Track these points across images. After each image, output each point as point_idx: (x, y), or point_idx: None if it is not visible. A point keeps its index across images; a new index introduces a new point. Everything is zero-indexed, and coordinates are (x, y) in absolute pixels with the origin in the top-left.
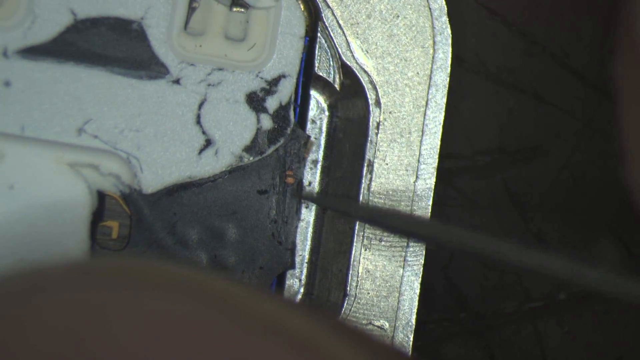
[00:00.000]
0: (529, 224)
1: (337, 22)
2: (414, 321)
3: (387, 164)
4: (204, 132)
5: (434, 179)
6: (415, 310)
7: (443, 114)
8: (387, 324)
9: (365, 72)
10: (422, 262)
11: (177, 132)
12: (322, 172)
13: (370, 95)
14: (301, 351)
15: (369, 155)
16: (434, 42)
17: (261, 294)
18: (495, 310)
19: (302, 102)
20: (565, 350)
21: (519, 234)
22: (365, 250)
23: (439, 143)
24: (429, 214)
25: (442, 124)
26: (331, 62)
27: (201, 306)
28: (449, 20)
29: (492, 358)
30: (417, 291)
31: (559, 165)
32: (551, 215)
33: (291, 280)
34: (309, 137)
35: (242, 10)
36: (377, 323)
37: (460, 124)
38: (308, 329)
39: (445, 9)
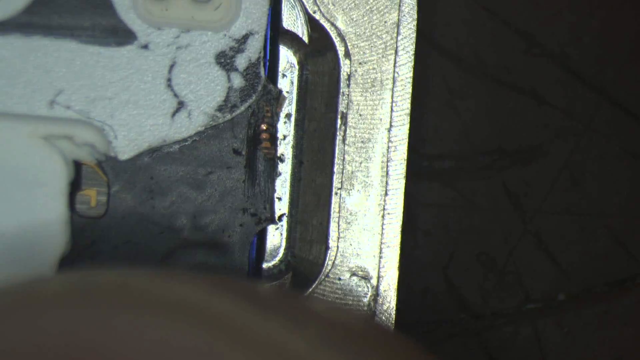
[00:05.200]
0: (528, 224)
1: None
2: (397, 269)
3: (360, 114)
4: (175, 95)
5: (407, 126)
6: (398, 258)
7: (413, 61)
8: (371, 274)
9: (333, 24)
10: (402, 209)
11: (148, 97)
12: (296, 125)
13: (340, 47)
14: None
15: (341, 106)
16: None
17: (262, 310)
18: (495, 311)
19: (271, 58)
20: (565, 351)
21: (518, 234)
22: (344, 202)
23: (410, 90)
24: (405, 161)
25: (412, 71)
26: (298, 16)
27: (202, 336)
28: (448, 20)
29: (492, 358)
30: (399, 237)
31: (559, 165)
32: (550, 216)
33: (272, 236)
34: (280, 91)
35: None
36: (360, 273)
37: (460, 124)
38: (309, 351)
39: None
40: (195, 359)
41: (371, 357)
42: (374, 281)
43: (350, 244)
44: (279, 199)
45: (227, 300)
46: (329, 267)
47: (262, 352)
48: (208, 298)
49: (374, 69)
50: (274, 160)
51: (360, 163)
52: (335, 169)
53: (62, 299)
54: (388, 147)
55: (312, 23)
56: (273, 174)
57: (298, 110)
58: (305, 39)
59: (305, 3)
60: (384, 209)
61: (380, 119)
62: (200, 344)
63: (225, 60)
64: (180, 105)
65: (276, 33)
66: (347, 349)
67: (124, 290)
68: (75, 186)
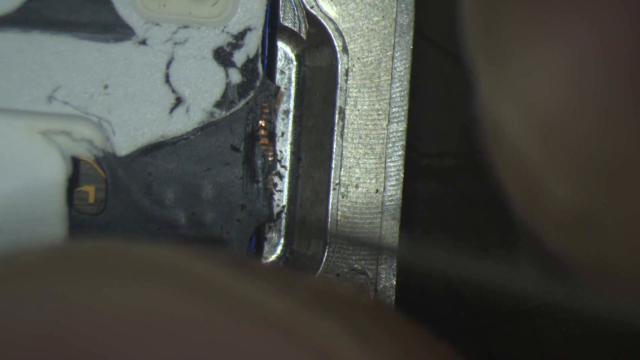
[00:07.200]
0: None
1: None
2: (395, 264)
3: (358, 110)
4: (173, 91)
5: (405, 122)
6: (396, 255)
7: (411, 56)
8: (369, 269)
9: (331, 19)
10: (400, 205)
11: (146, 92)
12: (294, 121)
13: (337, 43)
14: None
15: (339, 102)
16: None
17: (240, 271)
18: (494, 309)
19: (269, 54)
20: (563, 349)
21: (516, 233)
22: (343, 197)
23: (408, 86)
24: (403, 156)
25: (410, 66)
26: (296, 12)
27: (184, 299)
28: (446, 17)
29: (490, 357)
30: (397, 234)
31: None
32: None
33: (270, 232)
34: (278, 87)
35: None
36: (359, 269)
37: (458, 122)
38: (290, 312)
39: None
40: (177, 326)
41: (360, 324)
42: (372, 277)
43: (349, 240)
44: (278, 191)
45: (210, 264)
46: (328, 263)
47: (241, 313)
48: (191, 262)
49: (371, 64)
50: (272, 156)
51: (359, 159)
52: (333, 165)
53: (45, 268)
54: (386, 142)
55: (309, 18)
56: (271, 170)
57: (296, 107)
58: (303, 34)
59: None
60: (382, 205)
61: (379, 114)
62: (183, 311)
63: (223, 56)
64: (178, 101)
65: (274, 29)
66: (334, 314)
67: (106, 256)
68: (73, 182)
